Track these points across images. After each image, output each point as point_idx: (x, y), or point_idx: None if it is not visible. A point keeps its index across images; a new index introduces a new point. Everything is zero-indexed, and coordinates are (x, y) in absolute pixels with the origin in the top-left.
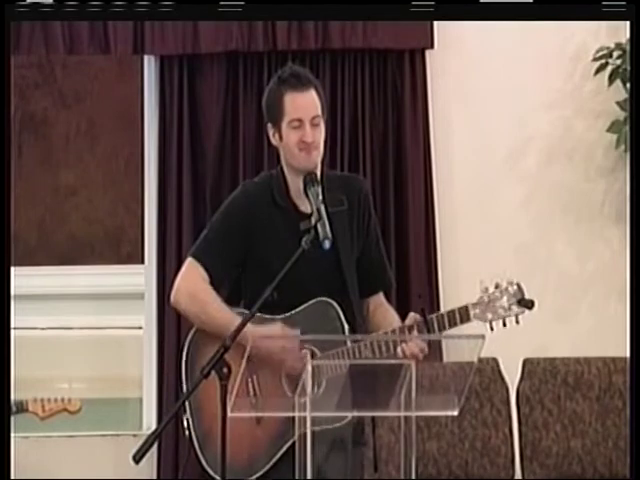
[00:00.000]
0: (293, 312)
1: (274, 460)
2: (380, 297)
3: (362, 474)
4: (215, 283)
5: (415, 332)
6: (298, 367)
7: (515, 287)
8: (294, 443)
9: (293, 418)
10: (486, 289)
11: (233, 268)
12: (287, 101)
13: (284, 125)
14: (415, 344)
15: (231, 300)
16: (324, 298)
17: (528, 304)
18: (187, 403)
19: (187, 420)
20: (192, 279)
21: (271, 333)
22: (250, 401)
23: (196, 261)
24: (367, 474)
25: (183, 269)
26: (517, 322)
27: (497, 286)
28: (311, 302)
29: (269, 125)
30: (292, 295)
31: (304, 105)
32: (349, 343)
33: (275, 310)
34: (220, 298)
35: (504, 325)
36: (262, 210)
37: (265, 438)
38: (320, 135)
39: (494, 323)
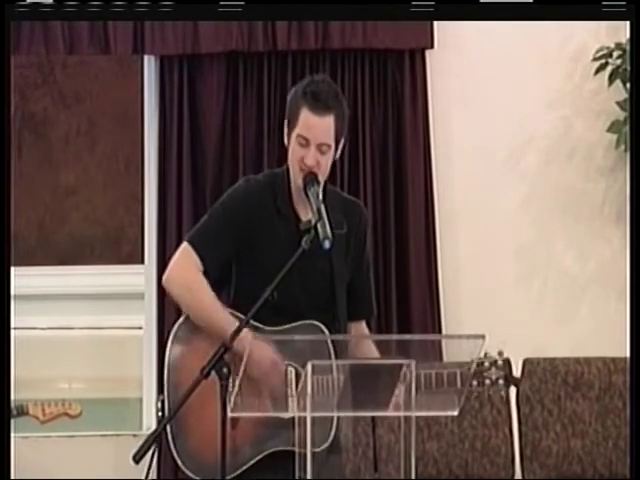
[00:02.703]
0: (281, 328)
1: (247, 466)
2: (363, 327)
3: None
4: (207, 272)
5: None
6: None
7: (504, 362)
8: (270, 455)
9: (272, 431)
10: (474, 358)
11: (224, 261)
12: (301, 117)
13: (293, 136)
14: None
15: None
16: (314, 322)
17: (516, 382)
18: (165, 387)
19: (162, 401)
20: (186, 266)
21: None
22: (236, 401)
23: (191, 247)
24: (367, 474)
25: (177, 254)
26: (501, 397)
27: (486, 356)
28: (301, 323)
29: (286, 122)
30: (282, 302)
31: (315, 129)
32: (335, 374)
33: (265, 316)
34: (212, 290)
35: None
36: (262, 212)
37: (239, 445)
38: (326, 161)
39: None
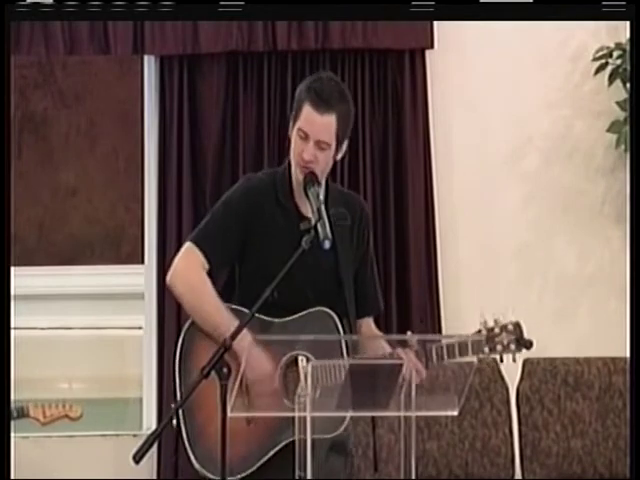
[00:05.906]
0: (290, 318)
1: (262, 461)
2: (370, 323)
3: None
4: (212, 270)
5: (412, 354)
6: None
7: (514, 325)
8: (284, 447)
9: (287, 422)
10: (485, 323)
11: (230, 258)
12: (304, 111)
13: (295, 128)
14: (413, 364)
15: (224, 294)
16: (324, 308)
17: (527, 344)
18: (179, 397)
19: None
20: (190, 265)
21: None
22: (243, 401)
23: (195, 246)
24: (367, 474)
25: (181, 253)
26: (514, 360)
27: (496, 322)
28: (310, 310)
29: (292, 115)
30: (290, 298)
31: (315, 126)
32: (346, 358)
33: (272, 311)
34: (215, 292)
35: (501, 360)
36: (264, 207)
37: (255, 439)
38: (325, 158)
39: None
